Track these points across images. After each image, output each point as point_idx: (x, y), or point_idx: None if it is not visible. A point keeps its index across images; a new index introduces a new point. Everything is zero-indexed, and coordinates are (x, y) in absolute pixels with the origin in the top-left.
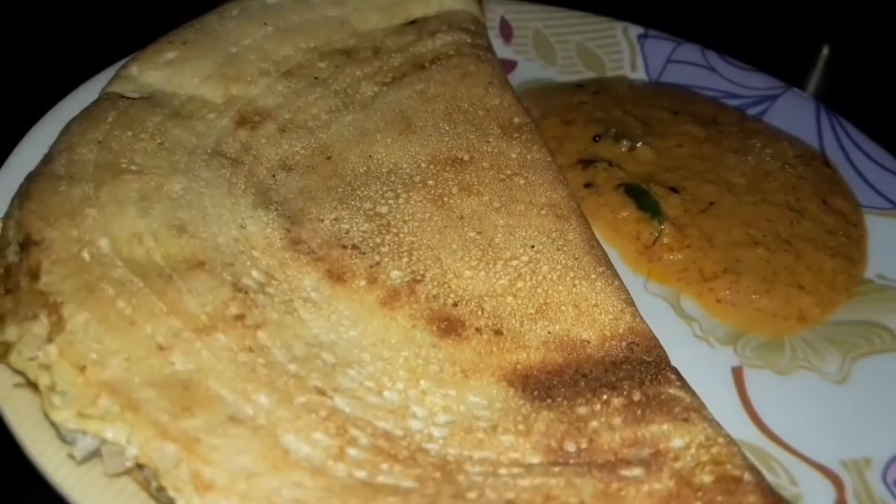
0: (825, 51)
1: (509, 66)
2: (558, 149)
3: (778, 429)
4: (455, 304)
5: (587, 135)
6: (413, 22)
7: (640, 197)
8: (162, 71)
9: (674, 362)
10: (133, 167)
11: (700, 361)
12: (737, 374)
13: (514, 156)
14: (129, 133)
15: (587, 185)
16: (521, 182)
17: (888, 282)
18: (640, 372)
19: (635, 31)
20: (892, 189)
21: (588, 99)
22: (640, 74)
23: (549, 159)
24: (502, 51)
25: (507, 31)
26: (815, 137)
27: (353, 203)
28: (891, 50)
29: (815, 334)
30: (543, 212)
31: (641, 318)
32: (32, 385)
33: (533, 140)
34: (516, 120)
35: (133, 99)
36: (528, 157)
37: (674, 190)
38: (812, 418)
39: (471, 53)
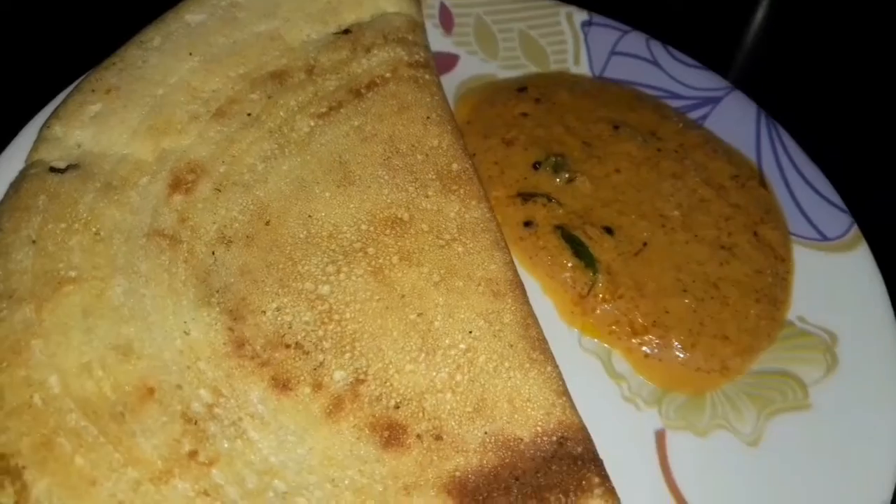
0: None
1: (451, 60)
2: (499, 176)
3: (693, 498)
4: (397, 407)
5: (527, 160)
6: (347, 31)
7: (576, 245)
8: (87, 129)
9: (602, 429)
10: (72, 272)
11: (626, 426)
12: (659, 437)
13: (452, 215)
14: (63, 225)
15: (527, 224)
16: (460, 250)
17: (807, 326)
18: (566, 475)
19: (579, 17)
20: (823, 218)
21: (530, 109)
22: (583, 68)
23: (487, 216)
24: (443, 43)
25: (447, 20)
26: (753, 149)
27: (294, 285)
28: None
29: (736, 387)
30: (481, 289)
31: (572, 407)
32: None
33: (471, 193)
34: (455, 166)
35: (62, 172)
36: (467, 216)
37: (608, 230)
38: (724, 485)
39: (408, 77)
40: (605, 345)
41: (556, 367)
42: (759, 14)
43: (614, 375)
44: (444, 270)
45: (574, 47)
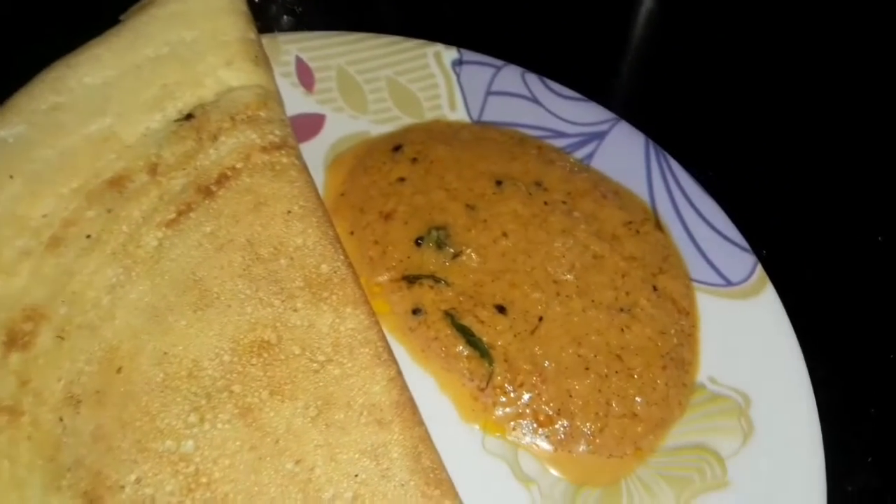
0: None
1: (317, 122)
2: (380, 258)
3: None
4: None
5: (409, 236)
6: (190, 116)
7: (467, 335)
8: None
9: None
10: None
11: None
12: None
13: (325, 330)
14: None
15: (415, 312)
16: (337, 373)
17: (719, 388)
18: None
19: (449, 56)
20: (724, 261)
21: (406, 172)
22: (460, 113)
23: (364, 323)
24: (305, 104)
25: (307, 77)
26: (645, 186)
27: (152, 446)
28: None
29: (650, 469)
30: (363, 419)
31: None
32: None
33: (344, 298)
34: (324, 268)
35: None
36: (342, 328)
37: (501, 309)
38: None
39: (263, 164)
40: (511, 442)
41: (456, 497)
42: (637, 34)
43: (523, 478)
44: (320, 402)
45: (447, 91)
